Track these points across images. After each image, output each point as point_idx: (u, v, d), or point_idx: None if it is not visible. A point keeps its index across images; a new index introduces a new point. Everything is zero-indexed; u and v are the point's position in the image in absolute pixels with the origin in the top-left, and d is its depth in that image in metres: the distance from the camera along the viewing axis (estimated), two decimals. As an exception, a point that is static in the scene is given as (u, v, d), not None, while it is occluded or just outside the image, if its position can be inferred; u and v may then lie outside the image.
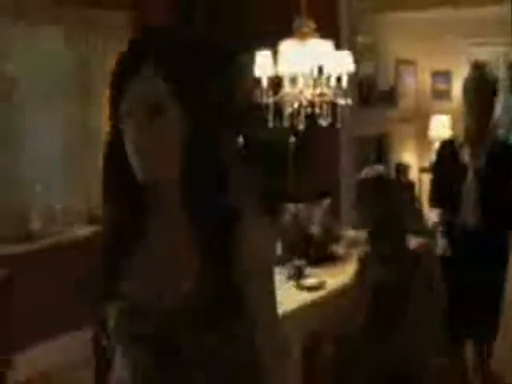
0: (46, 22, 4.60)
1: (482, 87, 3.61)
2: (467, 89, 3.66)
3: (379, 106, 7.75)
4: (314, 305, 3.22)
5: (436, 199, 3.83)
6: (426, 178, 7.58)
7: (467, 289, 3.67)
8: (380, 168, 3.11)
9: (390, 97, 8.14)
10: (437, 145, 7.80)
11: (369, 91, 7.72)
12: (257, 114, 4.17)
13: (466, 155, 3.64)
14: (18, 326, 3.96)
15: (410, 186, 7.47)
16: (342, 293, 3.28)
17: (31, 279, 4.27)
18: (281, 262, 3.62)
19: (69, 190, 4.72)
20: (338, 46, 4.09)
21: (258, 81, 3.72)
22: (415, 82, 8.49)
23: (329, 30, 4.40)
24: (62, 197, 4.68)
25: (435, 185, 3.89)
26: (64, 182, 4.72)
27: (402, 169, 7.73)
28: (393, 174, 7.36)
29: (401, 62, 8.29)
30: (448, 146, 3.79)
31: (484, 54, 6.98)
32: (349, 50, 4.80)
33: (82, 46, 4.67)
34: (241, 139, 5.36)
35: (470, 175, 3.60)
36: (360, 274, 3.11)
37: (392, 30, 7.88)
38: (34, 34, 4.56)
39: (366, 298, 3.03)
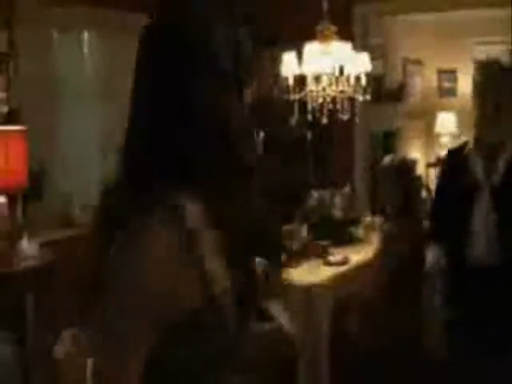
0: (84, 27, 4.99)
1: (500, 81, 2.76)
2: (481, 84, 2.82)
3: (387, 104, 8.09)
4: (338, 278, 3.61)
5: (436, 228, 2.95)
6: (432, 173, 7.97)
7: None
8: (399, 157, 3.50)
9: (397, 94, 8.47)
10: (443, 140, 8.24)
11: (378, 89, 8.08)
12: (278, 110, 4.54)
13: (478, 168, 2.74)
14: (59, 309, 4.19)
15: (418, 179, 7.81)
16: (363, 268, 3.67)
17: (73, 263, 4.59)
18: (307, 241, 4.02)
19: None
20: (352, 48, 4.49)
21: (284, 79, 4.09)
22: (422, 80, 8.83)
23: (344, 32, 4.78)
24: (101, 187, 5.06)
25: (436, 209, 2.97)
26: (102, 173, 5.10)
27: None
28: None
29: (408, 61, 8.62)
30: (456, 156, 2.90)
31: (488, 52, 7.28)
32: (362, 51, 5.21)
33: (119, 49, 5.03)
34: (262, 133, 5.74)
35: (485, 195, 2.68)
36: (382, 251, 3.48)
37: (400, 31, 8.22)
38: (73, 39, 4.97)
39: (386, 273, 3.40)
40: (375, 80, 7.99)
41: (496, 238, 2.65)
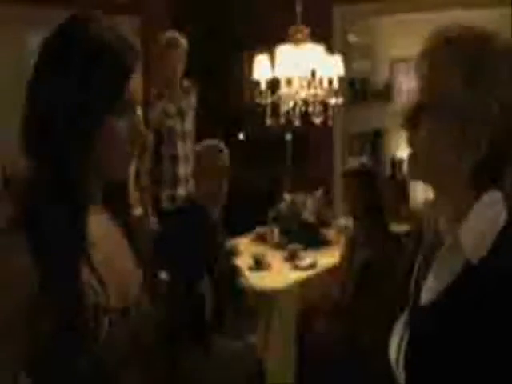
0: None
1: None
2: None
3: (375, 103, 8.09)
4: (307, 283, 3.62)
5: None
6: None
7: None
8: (363, 160, 3.49)
9: (385, 94, 8.48)
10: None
11: (365, 89, 8.10)
12: (256, 113, 4.55)
13: None
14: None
15: (404, 179, 7.83)
16: (332, 272, 3.67)
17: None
18: (278, 245, 4.04)
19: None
20: (331, 48, 4.50)
21: (256, 82, 4.08)
22: (410, 80, 8.82)
23: (324, 32, 4.79)
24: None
25: None
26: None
27: (397, 163, 8.10)
28: (388, 169, 7.74)
29: (396, 60, 8.62)
30: None
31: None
32: (343, 50, 5.23)
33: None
34: (241, 135, 5.75)
35: None
36: (348, 254, 3.49)
37: (389, 30, 8.22)
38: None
39: (353, 276, 3.41)
40: (363, 80, 8.08)
41: None
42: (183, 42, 4.45)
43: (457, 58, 1.15)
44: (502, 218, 1.13)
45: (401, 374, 1.22)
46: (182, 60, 4.44)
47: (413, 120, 1.19)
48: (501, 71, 1.13)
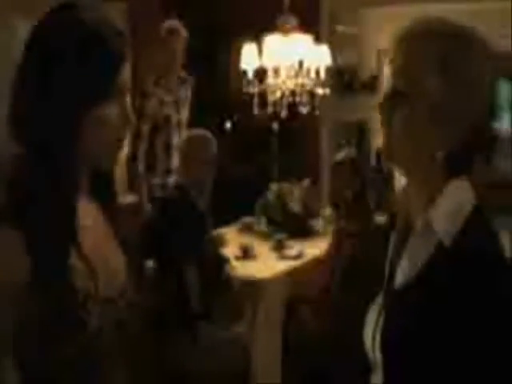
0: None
1: None
2: None
3: (362, 94, 8.11)
4: (293, 273, 3.63)
5: None
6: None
7: None
8: (351, 152, 3.50)
9: (372, 85, 8.49)
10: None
11: (352, 79, 8.11)
12: (243, 102, 4.54)
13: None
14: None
15: (389, 169, 7.85)
16: (318, 262, 3.68)
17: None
18: (265, 235, 4.05)
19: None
20: (318, 38, 4.50)
21: (244, 71, 4.07)
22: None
23: (311, 22, 4.78)
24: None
25: None
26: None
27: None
28: (373, 159, 7.77)
29: (384, 52, 8.63)
30: None
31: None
32: (330, 40, 5.23)
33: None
34: (229, 124, 5.74)
35: None
36: (335, 246, 3.50)
37: (377, 21, 8.22)
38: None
39: (339, 267, 3.42)
40: (350, 70, 8.09)
41: None
42: (184, 31, 4.43)
43: (432, 51, 1.17)
44: (470, 201, 1.18)
45: (376, 358, 1.25)
46: (182, 49, 4.43)
47: (388, 103, 1.21)
48: (477, 66, 1.16)
